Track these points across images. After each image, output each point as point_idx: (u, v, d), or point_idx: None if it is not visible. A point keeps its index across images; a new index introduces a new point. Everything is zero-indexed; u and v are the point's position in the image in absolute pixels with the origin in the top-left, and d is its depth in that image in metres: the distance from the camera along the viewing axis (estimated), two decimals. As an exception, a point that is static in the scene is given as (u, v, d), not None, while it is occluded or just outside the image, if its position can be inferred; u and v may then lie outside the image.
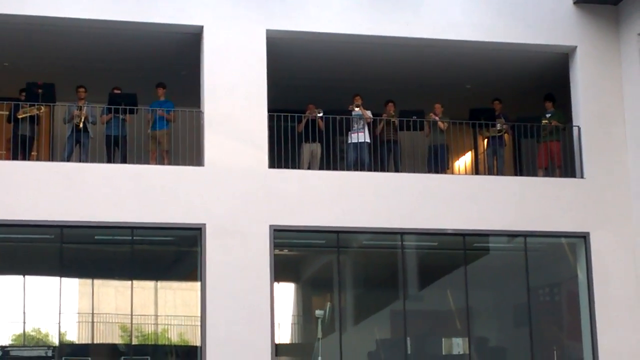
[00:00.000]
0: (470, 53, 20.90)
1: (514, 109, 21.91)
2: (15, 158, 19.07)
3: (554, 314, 20.57)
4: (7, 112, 19.68)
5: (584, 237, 19.98)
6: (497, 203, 19.74)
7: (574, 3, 20.75)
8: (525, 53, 21.01)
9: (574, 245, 20.26)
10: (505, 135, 21.29)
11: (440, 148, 20.58)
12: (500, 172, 20.78)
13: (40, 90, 19.19)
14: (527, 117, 20.99)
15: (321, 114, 20.21)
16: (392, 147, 20.49)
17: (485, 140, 21.38)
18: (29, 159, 19.15)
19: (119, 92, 19.72)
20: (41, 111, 19.33)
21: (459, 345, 19.79)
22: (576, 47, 20.72)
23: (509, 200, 19.82)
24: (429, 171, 20.49)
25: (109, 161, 19.38)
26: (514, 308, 20.24)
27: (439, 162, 20.52)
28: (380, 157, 20.33)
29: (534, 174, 20.92)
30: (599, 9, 20.82)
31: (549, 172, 20.66)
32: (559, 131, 20.82)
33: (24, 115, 19.20)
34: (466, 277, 19.70)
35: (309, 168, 20.17)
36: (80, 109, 19.45)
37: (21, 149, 19.16)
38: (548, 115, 20.96)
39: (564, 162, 20.70)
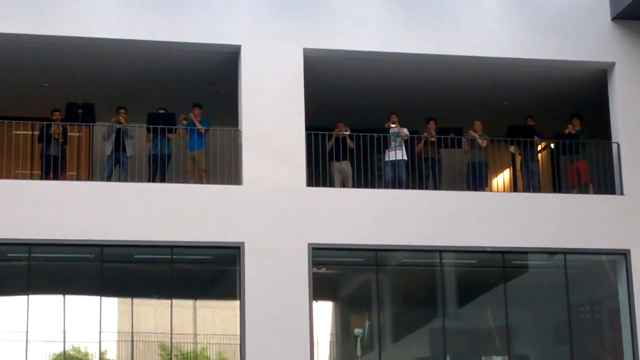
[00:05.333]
0: (507, 70, 20.86)
1: (552, 126, 21.82)
2: (46, 178, 19.19)
3: (594, 332, 20.42)
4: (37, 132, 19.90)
5: (625, 254, 19.82)
6: (536, 220, 19.64)
7: (612, 19, 20.66)
8: (563, 70, 20.93)
9: (614, 263, 20.11)
10: (542, 152, 21.20)
11: (479, 165, 20.52)
12: (534, 189, 20.66)
13: (80, 111, 19.36)
14: (565, 135, 20.89)
15: (348, 132, 20.20)
16: (433, 164, 20.45)
17: (519, 157, 21.33)
18: (60, 179, 19.25)
19: (163, 111, 19.84)
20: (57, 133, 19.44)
21: (499, 363, 19.69)
22: (614, 63, 20.62)
23: (548, 217, 19.71)
24: (468, 188, 20.44)
25: (149, 180, 19.47)
26: (554, 326, 20.11)
27: (477, 180, 20.45)
28: (419, 174, 20.28)
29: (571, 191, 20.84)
30: (638, 25, 20.72)
31: (581, 190, 20.54)
32: (586, 149, 20.73)
33: (58, 136, 19.36)
34: (505, 294, 19.60)
35: (343, 186, 20.14)
36: (119, 122, 19.60)
37: (49, 169, 19.27)
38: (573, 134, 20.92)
39: (603, 179, 20.56)
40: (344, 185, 20.16)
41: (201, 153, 19.84)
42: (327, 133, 20.11)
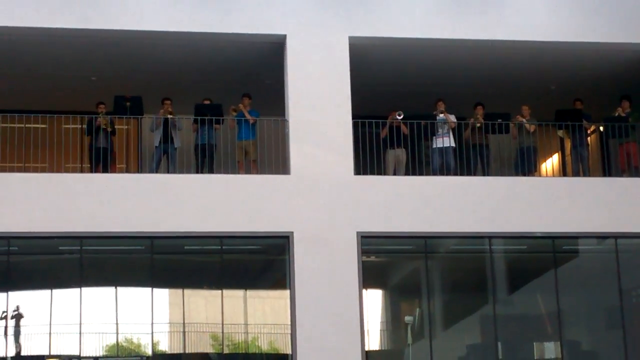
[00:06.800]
0: (554, 54, 20.70)
1: (600, 109, 21.65)
2: (95, 170, 19.33)
3: (647, 316, 20.27)
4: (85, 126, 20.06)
5: (676, 237, 19.66)
6: (586, 205, 19.49)
7: (660, 0, 20.48)
8: (611, 52, 20.74)
9: (666, 246, 19.96)
10: (591, 136, 21.03)
11: (527, 150, 20.41)
12: (584, 173, 20.51)
13: (128, 103, 19.50)
14: (614, 118, 20.71)
15: (401, 116, 20.13)
16: (481, 150, 20.37)
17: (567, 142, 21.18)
18: (110, 172, 19.39)
19: (208, 102, 19.91)
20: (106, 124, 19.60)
21: (550, 349, 19.58)
22: (663, 44, 20.44)
23: (599, 201, 19.55)
24: (517, 174, 20.33)
25: (197, 171, 19.57)
26: (606, 311, 19.96)
27: (526, 165, 20.33)
28: (467, 160, 20.20)
29: (621, 174, 20.66)
30: (687, 5, 20.51)
31: (632, 173, 20.35)
32: (635, 132, 20.53)
33: (106, 126, 19.53)
34: (556, 280, 19.48)
35: (394, 174, 20.11)
36: (169, 113, 19.70)
37: (98, 161, 19.41)
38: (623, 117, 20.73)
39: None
40: (396, 172, 20.11)
41: (250, 144, 19.88)
42: (374, 121, 20.06)
